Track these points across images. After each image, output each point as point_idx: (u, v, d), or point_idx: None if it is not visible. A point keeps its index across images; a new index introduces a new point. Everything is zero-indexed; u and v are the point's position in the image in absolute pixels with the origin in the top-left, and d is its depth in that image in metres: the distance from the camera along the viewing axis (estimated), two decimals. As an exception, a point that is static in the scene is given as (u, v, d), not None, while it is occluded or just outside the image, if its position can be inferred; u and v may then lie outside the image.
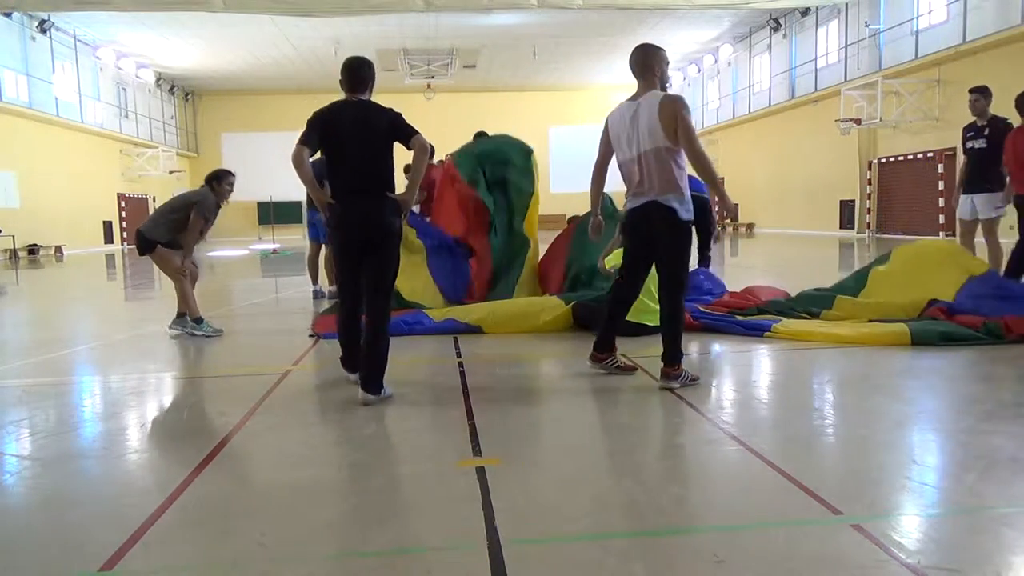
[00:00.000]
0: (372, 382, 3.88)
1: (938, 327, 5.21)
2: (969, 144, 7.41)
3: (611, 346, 4.42)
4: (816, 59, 24.56)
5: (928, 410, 3.74)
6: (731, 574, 2.04)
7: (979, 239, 7.56)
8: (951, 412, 3.65)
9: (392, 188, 4.02)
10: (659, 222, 4.03)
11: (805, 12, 24.42)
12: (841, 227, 23.78)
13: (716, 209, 8.46)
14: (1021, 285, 6.13)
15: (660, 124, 3.96)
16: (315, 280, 9.01)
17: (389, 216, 3.94)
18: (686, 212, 4.01)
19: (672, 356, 4.06)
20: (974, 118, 7.42)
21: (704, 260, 8.34)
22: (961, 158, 7.83)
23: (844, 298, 6.17)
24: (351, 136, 3.92)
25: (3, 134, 20.98)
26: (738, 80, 30.26)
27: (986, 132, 7.22)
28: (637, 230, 4.18)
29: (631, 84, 4.16)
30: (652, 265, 4.22)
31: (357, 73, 4.07)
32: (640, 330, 5.36)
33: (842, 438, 3.29)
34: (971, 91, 7.41)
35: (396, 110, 4.00)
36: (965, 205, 7.45)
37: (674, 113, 3.95)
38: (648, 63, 4.13)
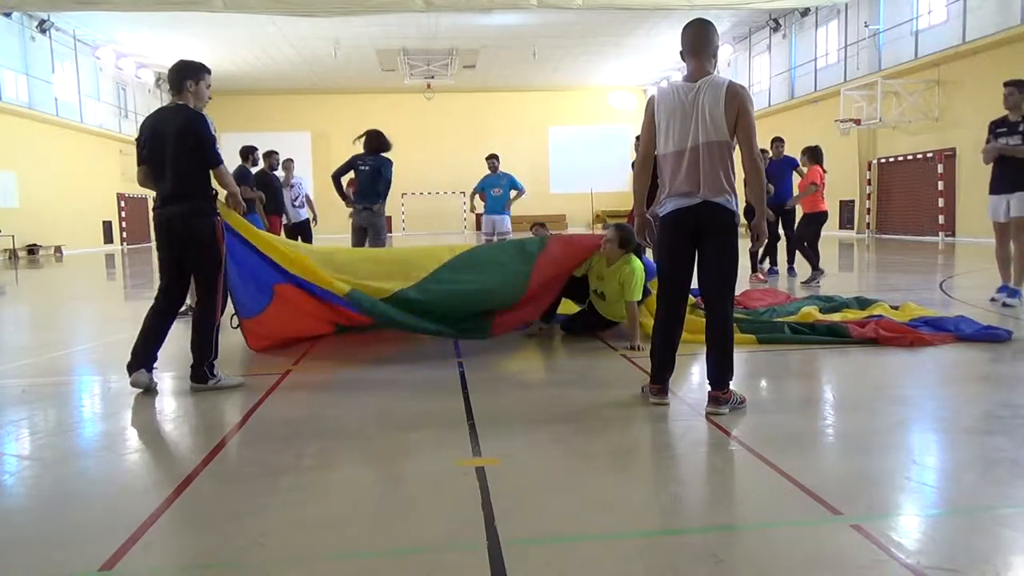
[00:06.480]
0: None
1: (785, 328, 5.47)
2: (1002, 140, 6.84)
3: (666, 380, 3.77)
4: (816, 59, 24.55)
5: (928, 410, 3.74)
6: (731, 574, 2.05)
7: None
8: (951, 412, 3.65)
9: (204, 192, 4.23)
10: (714, 227, 3.57)
11: (805, 12, 24.40)
12: (841, 227, 23.76)
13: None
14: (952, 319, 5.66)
15: (723, 115, 3.46)
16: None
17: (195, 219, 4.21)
18: (737, 215, 3.63)
19: (723, 377, 3.57)
20: (1006, 113, 6.88)
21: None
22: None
23: (849, 310, 6.24)
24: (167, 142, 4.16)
25: (3, 134, 20.95)
26: (738, 80, 30.17)
27: (1021, 128, 6.72)
28: (682, 236, 3.60)
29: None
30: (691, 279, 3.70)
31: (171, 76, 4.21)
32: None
33: (842, 438, 3.30)
34: (1006, 84, 6.91)
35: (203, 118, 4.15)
36: (999, 206, 6.92)
37: (741, 106, 3.47)
38: (710, 42, 3.58)
